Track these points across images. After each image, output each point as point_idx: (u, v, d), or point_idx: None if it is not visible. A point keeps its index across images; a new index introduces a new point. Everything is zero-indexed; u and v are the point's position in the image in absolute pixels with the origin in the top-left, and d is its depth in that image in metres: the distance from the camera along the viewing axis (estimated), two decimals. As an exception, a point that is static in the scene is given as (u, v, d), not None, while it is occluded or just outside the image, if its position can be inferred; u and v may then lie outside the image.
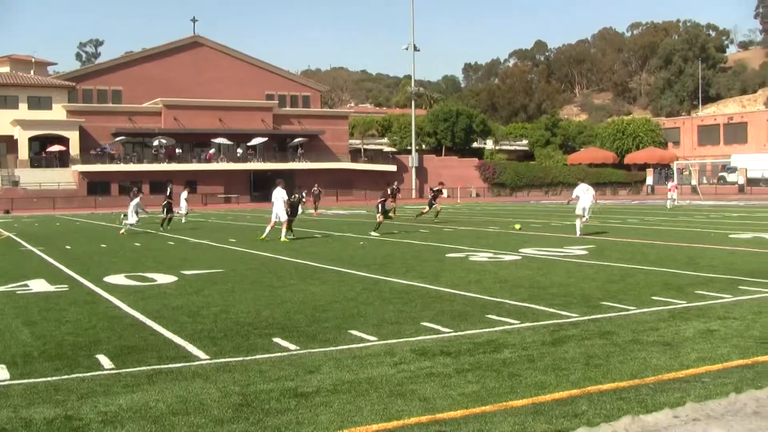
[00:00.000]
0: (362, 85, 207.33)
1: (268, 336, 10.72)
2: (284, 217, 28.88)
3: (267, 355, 9.56)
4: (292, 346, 10.03)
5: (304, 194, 30.45)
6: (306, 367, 8.92)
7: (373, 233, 30.74)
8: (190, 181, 75.49)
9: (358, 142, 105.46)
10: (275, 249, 25.05)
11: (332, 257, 22.09)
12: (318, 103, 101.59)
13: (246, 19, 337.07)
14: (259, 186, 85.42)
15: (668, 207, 50.98)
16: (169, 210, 36.90)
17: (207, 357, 9.53)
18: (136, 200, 34.37)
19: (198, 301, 14.11)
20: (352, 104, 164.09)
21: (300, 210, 31.88)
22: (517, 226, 32.49)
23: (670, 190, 54.37)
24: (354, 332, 10.86)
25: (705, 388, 7.83)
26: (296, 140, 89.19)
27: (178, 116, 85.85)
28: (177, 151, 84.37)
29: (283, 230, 29.07)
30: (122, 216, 36.34)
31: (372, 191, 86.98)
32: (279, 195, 29.02)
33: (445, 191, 68.04)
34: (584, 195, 29.15)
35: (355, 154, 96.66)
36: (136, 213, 33.98)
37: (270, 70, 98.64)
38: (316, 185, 55.71)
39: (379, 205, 31.97)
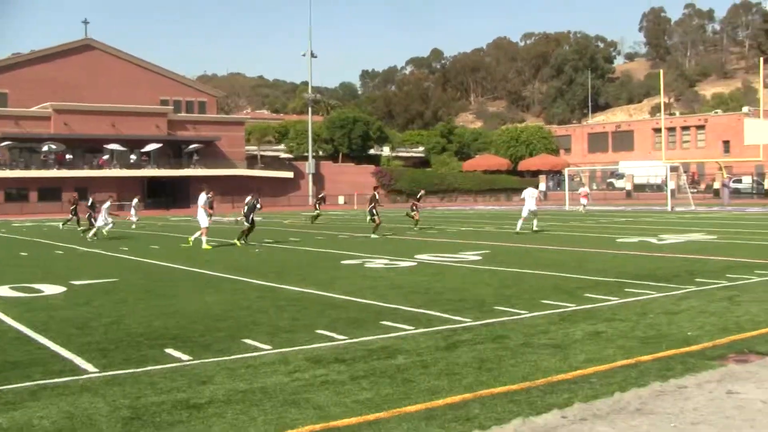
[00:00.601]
0: (259, 91, 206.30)
1: (161, 347, 10.55)
2: (205, 223, 28.62)
3: (159, 367, 9.39)
4: (185, 357, 9.89)
5: (258, 200, 30.16)
6: (199, 378, 8.80)
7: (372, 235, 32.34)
8: (80, 188, 74.06)
9: (254, 148, 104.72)
10: (169, 257, 24.71)
11: (227, 265, 21.87)
12: (214, 109, 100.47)
13: (141, 22, 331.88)
14: (154, 193, 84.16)
15: (583, 212, 52.11)
16: (76, 213, 36.13)
17: (96, 370, 9.29)
18: (107, 204, 34.72)
19: (88, 312, 13.76)
20: (249, 110, 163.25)
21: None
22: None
23: (582, 196, 55.63)
24: (248, 341, 10.77)
25: (592, 388, 8.01)
26: (192, 146, 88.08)
27: (68, 121, 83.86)
28: (67, 157, 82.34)
29: (203, 237, 28.63)
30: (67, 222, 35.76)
31: (268, 198, 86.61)
32: (201, 201, 29.05)
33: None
34: (529, 198, 33.41)
35: (251, 161, 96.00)
36: (106, 218, 34.24)
37: (165, 75, 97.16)
38: (210, 192, 55.02)
39: (372, 210, 33.88)
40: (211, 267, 21.42)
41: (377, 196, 34.85)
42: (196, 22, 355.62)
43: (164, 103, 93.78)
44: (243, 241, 29.39)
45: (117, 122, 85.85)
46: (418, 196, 39.83)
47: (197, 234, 29.11)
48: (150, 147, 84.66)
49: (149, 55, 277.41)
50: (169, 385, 8.54)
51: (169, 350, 10.30)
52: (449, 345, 10.29)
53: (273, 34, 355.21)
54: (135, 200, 45.16)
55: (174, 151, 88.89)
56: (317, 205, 47.46)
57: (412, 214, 37.67)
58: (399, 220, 43.99)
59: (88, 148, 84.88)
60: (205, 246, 28.06)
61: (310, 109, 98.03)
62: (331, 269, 20.35)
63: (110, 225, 34.45)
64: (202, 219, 28.75)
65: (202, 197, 29.28)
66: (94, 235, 34.08)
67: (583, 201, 55.32)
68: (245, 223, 29.94)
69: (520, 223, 33.10)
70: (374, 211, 33.81)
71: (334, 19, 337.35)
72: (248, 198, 30.22)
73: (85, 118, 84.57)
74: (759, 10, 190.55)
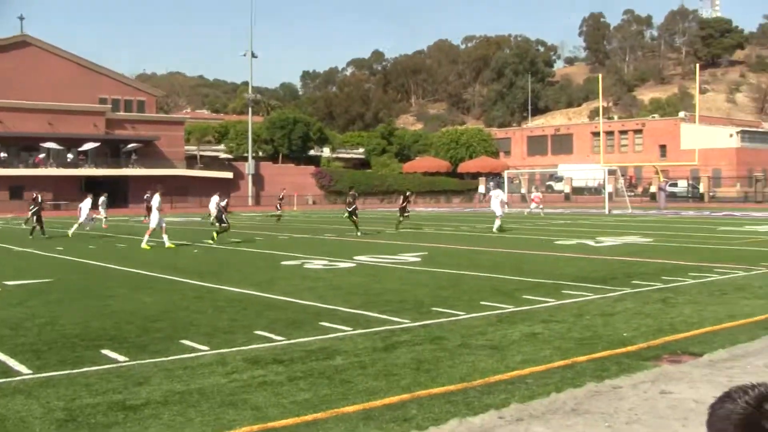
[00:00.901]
0: (199, 91, 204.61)
1: (97, 348, 10.43)
2: (154, 224, 28.74)
3: (95, 368, 9.29)
4: (121, 358, 9.79)
5: (226, 201, 30.52)
6: (135, 379, 8.73)
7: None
8: (15, 186, 72.96)
9: (194, 148, 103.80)
10: (106, 257, 24.42)
11: (165, 266, 21.69)
12: (153, 108, 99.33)
13: (78, 19, 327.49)
14: (91, 193, 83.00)
15: (542, 215, 52.26)
16: (39, 219, 35.45)
17: (30, 372, 9.16)
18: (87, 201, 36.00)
19: (21, 312, 13.53)
20: (189, 110, 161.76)
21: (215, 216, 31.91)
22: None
23: (533, 200, 55.89)
24: (186, 342, 10.70)
25: (529, 388, 8.10)
26: (130, 146, 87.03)
27: (3, 118, 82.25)
28: (2, 155, 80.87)
29: (146, 237, 28.76)
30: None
31: (208, 198, 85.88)
32: (154, 202, 29.18)
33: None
34: (494, 199, 36.46)
35: (190, 161, 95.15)
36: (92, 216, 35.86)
37: (103, 73, 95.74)
38: (148, 192, 54.54)
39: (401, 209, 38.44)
40: (148, 267, 21.22)
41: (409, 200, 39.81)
42: (135, 20, 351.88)
43: (102, 101, 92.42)
44: (214, 241, 29.95)
45: (54, 120, 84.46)
46: (407, 196, 40.85)
47: (158, 237, 29.06)
48: (87, 146, 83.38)
49: (87, 52, 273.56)
50: (104, 386, 8.46)
51: (105, 351, 10.20)
52: (387, 346, 10.32)
53: (214, 33, 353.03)
54: (102, 198, 44.79)
55: (112, 151, 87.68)
56: (279, 206, 48.42)
57: (403, 215, 38.98)
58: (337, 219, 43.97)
59: (23, 147, 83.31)
60: (144, 246, 27.91)
61: (250, 109, 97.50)
62: (270, 270, 20.30)
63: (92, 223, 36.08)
64: (153, 219, 28.95)
65: (156, 198, 29.42)
66: (37, 232, 34.29)
67: (535, 204, 55.26)
68: (218, 224, 31.04)
69: (496, 222, 35.17)
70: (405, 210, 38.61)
71: (276, 19, 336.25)
72: (215, 198, 31.03)
73: (21, 116, 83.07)
74: (695, 18, 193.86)
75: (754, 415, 1.88)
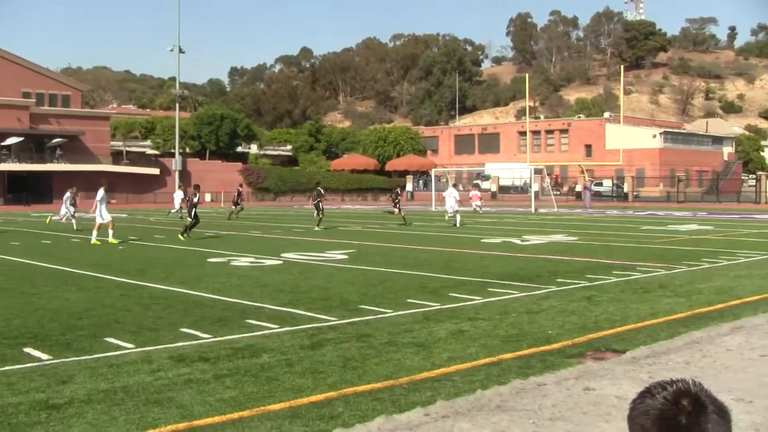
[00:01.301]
0: (125, 86, 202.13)
1: (19, 346, 10.24)
2: (107, 219, 28.81)
3: (17, 366, 9.12)
4: (44, 356, 9.63)
5: (197, 195, 30.38)
6: (59, 378, 8.60)
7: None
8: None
9: (120, 144, 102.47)
10: (29, 254, 23.99)
11: (90, 262, 21.37)
12: (78, 103, 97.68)
13: (1, 11, 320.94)
14: (14, 188, 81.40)
15: (480, 212, 52.29)
16: None
17: (-52, 370, 8.99)
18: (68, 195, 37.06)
19: (-60, 309, 13.28)
20: (115, 105, 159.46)
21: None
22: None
23: (471, 199, 55.94)
24: (111, 340, 10.56)
25: (455, 386, 8.16)
26: (54, 141, 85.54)
27: None
28: None
29: (95, 232, 28.71)
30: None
31: (134, 194, 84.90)
32: (98, 196, 29.08)
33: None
34: (448, 197, 38.64)
35: (116, 157, 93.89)
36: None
37: (27, 67, 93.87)
38: (72, 189, 53.62)
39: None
40: (73, 264, 20.90)
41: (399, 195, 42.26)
42: (60, 13, 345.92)
43: (26, 95, 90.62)
44: (186, 236, 29.95)
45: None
46: (398, 191, 43.18)
47: (109, 233, 28.91)
48: (10, 140, 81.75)
49: (10, 45, 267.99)
50: (27, 385, 8.31)
51: (27, 349, 10.02)
52: (314, 344, 10.32)
53: (140, 27, 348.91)
54: (68, 193, 43.90)
55: (36, 146, 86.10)
56: (238, 201, 48.90)
57: (395, 210, 40.87)
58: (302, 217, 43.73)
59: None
60: (94, 241, 27.94)
61: (177, 105, 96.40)
62: (197, 267, 20.13)
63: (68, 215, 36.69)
64: (104, 214, 28.94)
65: (100, 192, 29.30)
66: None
67: (477, 202, 55.20)
68: (188, 218, 31.15)
69: (457, 218, 37.66)
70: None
71: (203, 14, 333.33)
72: (179, 193, 31.23)
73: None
74: (620, 20, 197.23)
75: (671, 410, 1.93)
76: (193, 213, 30.61)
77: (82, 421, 7.05)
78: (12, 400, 7.73)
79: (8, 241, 29.40)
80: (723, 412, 1.95)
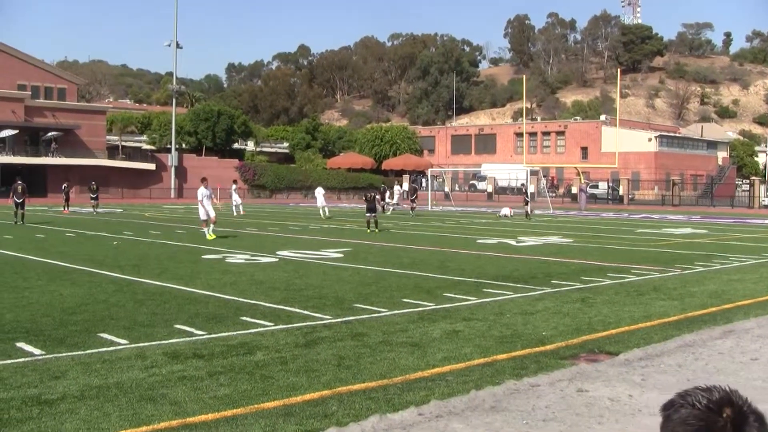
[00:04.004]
0: (122, 80, 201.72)
1: (11, 340, 10.22)
2: (205, 216, 28.59)
3: (9, 361, 9.10)
4: (37, 351, 9.61)
5: (211, 191, 29.44)
6: (51, 373, 8.58)
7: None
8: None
9: (116, 138, 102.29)
10: (23, 248, 23.95)
11: (84, 257, 21.34)
12: (74, 97, 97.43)
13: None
14: (8, 181, 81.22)
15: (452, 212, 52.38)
16: None
17: (-59, 363, 8.97)
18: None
19: (-66, 302, 13.25)
20: (111, 99, 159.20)
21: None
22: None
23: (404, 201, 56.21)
24: (104, 335, 10.55)
25: (449, 386, 8.17)
26: (50, 134, 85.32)
27: None
28: None
29: (205, 228, 28.63)
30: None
31: (130, 189, 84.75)
32: (199, 195, 28.97)
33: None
34: (319, 196, 41.62)
35: (112, 151, 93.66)
36: None
37: (23, 59, 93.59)
38: (66, 183, 53.59)
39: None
40: (67, 259, 20.87)
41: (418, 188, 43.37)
42: (57, 5, 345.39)
43: (21, 88, 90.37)
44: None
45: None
46: (417, 187, 44.55)
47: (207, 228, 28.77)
48: (5, 133, 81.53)
49: (6, 37, 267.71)
50: (19, 380, 8.29)
51: (20, 344, 10.00)
52: (309, 342, 10.31)
53: (138, 22, 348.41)
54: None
55: (31, 138, 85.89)
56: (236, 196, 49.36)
57: (385, 206, 42.78)
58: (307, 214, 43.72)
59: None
60: (209, 236, 28.14)
61: (174, 100, 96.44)
62: (192, 264, 20.11)
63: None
64: (203, 211, 28.77)
65: (201, 190, 29.02)
66: None
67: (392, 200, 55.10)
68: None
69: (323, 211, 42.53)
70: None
71: (201, 9, 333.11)
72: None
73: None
74: (617, 23, 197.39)
75: (713, 420, 1.87)
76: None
77: (75, 417, 7.04)
78: (4, 395, 7.71)
79: (1, 234, 29.33)
80: (762, 421, 1.91)
